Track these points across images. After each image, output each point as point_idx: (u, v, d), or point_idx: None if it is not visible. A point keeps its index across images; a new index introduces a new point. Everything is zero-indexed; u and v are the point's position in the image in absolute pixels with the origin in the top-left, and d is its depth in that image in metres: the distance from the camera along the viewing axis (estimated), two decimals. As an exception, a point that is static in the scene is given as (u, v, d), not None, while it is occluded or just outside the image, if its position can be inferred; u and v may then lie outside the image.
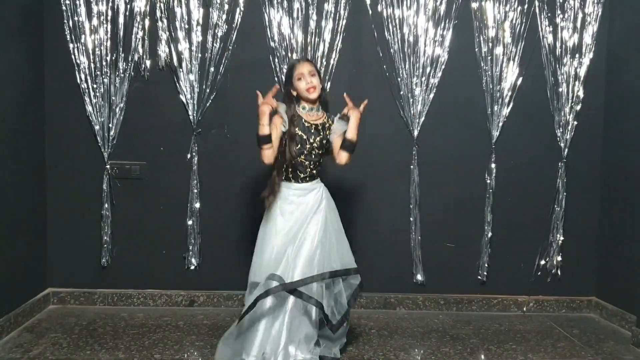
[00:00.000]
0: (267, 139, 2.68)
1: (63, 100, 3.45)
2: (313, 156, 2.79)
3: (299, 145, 2.76)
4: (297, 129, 2.76)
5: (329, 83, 3.43)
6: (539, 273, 3.59)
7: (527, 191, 3.57)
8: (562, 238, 3.57)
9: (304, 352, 2.64)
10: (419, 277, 3.56)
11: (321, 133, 2.81)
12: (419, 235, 3.54)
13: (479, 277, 3.57)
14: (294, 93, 2.78)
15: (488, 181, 3.54)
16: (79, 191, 3.49)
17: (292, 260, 2.68)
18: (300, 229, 2.73)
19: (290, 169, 2.80)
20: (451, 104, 3.51)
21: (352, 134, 2.77)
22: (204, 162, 3.50)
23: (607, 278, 3.51)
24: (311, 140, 2.78)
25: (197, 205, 3.50)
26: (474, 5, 3.46)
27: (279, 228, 2.73)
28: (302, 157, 2.78)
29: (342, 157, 2.79)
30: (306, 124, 2.79)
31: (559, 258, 3.57)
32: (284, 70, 3.34)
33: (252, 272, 2.78)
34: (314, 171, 2.83)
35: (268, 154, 2.70)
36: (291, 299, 2.64)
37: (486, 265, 3.56)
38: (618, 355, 2.96)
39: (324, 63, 3.44)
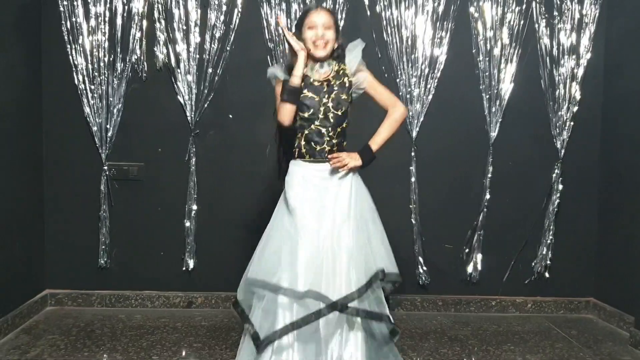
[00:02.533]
0: (297, 93, 2.26)
1: (61, 102, 3.45)
2: (330, 119, 2.30)
3: (311, 110, 2.30)
4: (305, 91, 2.30)
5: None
6: (536, 274, 3.59)
7: (525, 192, 3.58)
8: (559, 239, 3.57)
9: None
10: (417, 278, 3.56)
11: (336, 87, 2.32)
12: (417, 236, 3.54)
13: (477, 278, 3.57)
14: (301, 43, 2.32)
15: (485, 182, 3.54)
16: (76, 192, 3.49)
17: (329, 270, 2.19)
18: (328, 227, 2.23)
19: (303, 142, 2.33)
20: (449, 105, 3.52)
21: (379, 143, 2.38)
22: (201, 163, 3.49)
23: (605, 279, 3.52)
24: (324, 100, 2.29)
25: (195, 206, 3.50)
26: (472, 6, 3.47)
27: (300, 223, 2.23)
28: (317, 122, 2.31)
29: (401, 109, 2.39)
30: (315, 83, 2.34)
31: (557, 259, 3.57)
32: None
33: (265, 270, 2.24)
34: (334, 141, 2.31)
35: (290, 111, 2.27)
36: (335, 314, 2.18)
37: (484, 266, 3.56)
38: (616, 356, 2.96)
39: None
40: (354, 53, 2.38)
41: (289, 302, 2.18)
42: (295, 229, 2.24)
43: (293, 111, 2.28)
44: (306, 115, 2.30)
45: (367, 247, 2.27)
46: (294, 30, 2.45)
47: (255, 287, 2.26)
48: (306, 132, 2.32)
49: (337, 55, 2.39)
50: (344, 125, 2.36)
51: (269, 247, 2.29)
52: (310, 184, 2.31)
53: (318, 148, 2.31)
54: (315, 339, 2.19)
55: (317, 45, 2.30)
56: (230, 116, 3.48)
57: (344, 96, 2.33)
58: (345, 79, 2.36)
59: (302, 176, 2.32)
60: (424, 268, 3.55)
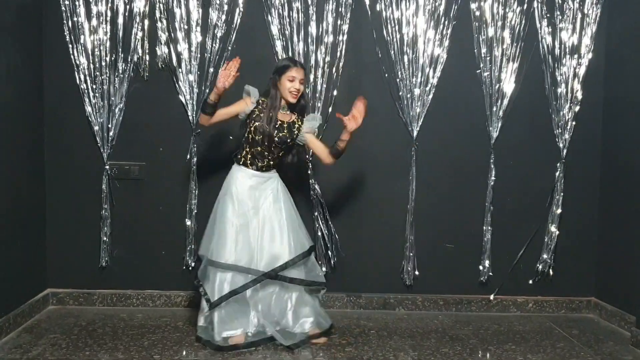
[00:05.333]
0: (212, 108, 2.90)
1: (62, 101, 3.45)
2: (272, 149, 2.99)
3: (261, 137, 2.96)
4: (265, 122, 2.96)
5: (327, 84, 3.44)
6: (538, 273, 3.59)
7: (526, 191, 3.58)
8: (560, 238, 3.57)
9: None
10: (418, 277, 3.56)
11: (285, 130, 2.99)
12: (418, 236, 3.54)
13: (478, 278, 3.57)
14: (279, 86, 2.98)
15: (487, 181, 3.54)
16: (78, 192, 3.49)
17: (264, 246, 2.96)
18: (263, 215, 2.98)
19: (249, 156, 3.01)
20: (450, 105, 3.52)
21: (342, 145, 2.95)
22: (203, 162, 3.50)
23: (606, 278, 3.51)
24: (274, 135, 2.96)
25: (196, 205, 3.50)
26: (473, 5, 3.47)
27: (237, 210, 2.95)
28: (262, 147, 2.98)
29: (329, 160, 3.01)
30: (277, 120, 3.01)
31: (558, 259, 3.57)
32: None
33: (211, 250, 2.94)
34: (272, 162, 3.03)
35: (205, 120, 2.96)
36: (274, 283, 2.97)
37: (485, 265, 3.56)
38: (617, 355, 2.96)
39: (323, 64, 3.45)
40: (312, 124, 3.05)
41: (233, 275, 2.91)
42: (237, 218, 2.96)
43: (210, 121, 2.98)
44: (257, 138, 2.97)
45: (296, 229, 3.05)
46: (274, 71, 3.03)
47: (211, 267, 2.94)
48: (253, 150, 2.99)
49: (299, 108, 3.07)
50: (281, 154, 3.05)
51: (217, 233, 2.97)
52: (247, 184, 3.00)
53: (260, 164, 3.01)
54: (245, 301, 2.96)
55: (292, 94, 2.97)
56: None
57: (288, 140, 3.01)
58: (296, 131, 3.03)
59: (241, 178, 3.00)
60: (425, 267, 3.55)
